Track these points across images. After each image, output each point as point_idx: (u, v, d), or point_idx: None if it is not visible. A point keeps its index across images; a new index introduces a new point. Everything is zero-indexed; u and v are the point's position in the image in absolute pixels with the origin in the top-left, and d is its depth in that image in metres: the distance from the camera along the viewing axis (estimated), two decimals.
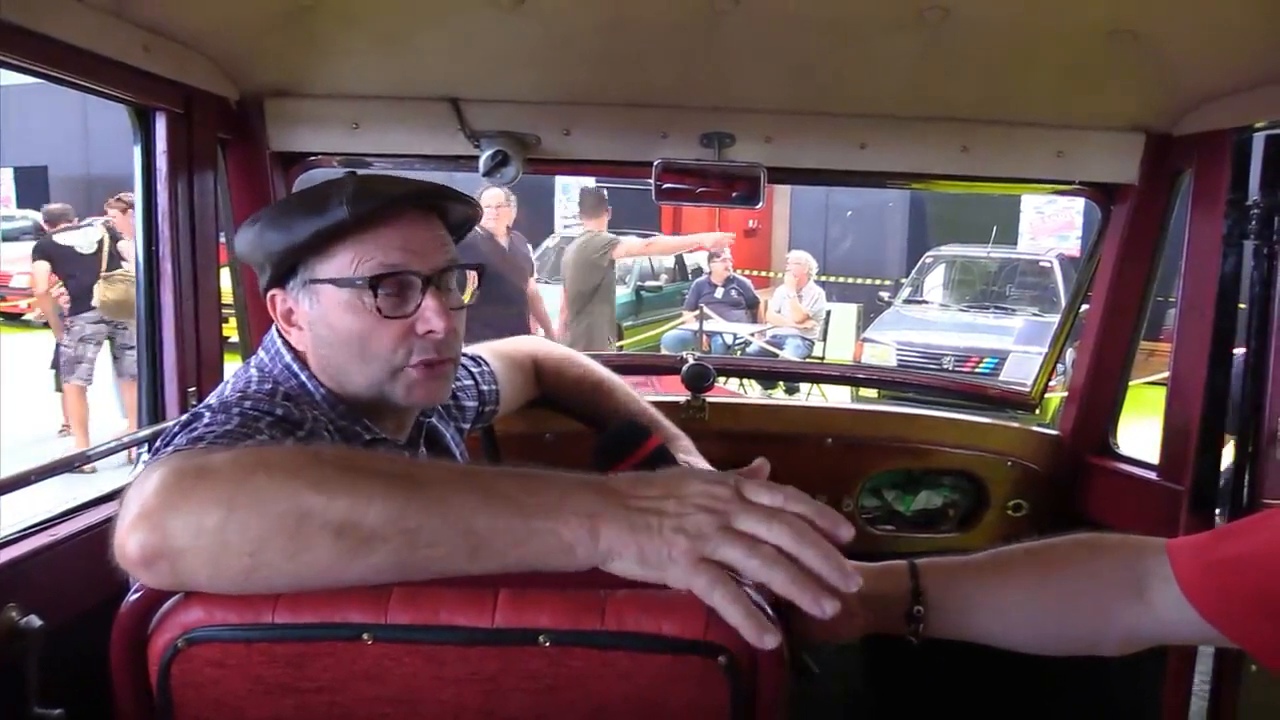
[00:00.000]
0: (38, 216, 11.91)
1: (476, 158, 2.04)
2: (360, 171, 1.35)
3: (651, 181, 2.05)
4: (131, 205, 7.27)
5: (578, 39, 1.85)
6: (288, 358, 1.35)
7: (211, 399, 1.27)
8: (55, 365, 7.88)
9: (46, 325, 8.59)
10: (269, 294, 1.35)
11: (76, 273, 7.35)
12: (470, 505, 0.88)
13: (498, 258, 6.07)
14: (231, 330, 2.15)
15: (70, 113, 16.28)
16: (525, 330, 6.30)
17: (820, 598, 0.86)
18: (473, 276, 1.46)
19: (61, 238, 7.55)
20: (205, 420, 1.15)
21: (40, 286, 7.56)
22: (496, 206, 6.18)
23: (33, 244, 8.47)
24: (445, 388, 1.39)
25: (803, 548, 0.87)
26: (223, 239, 2.01)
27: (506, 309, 6.04)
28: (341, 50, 1.90)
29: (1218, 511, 1.87)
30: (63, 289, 7.41)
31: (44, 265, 7.46)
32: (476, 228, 5.17)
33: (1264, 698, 1.79)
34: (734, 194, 2.06)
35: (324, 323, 1.31)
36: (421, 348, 1.32)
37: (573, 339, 6.66)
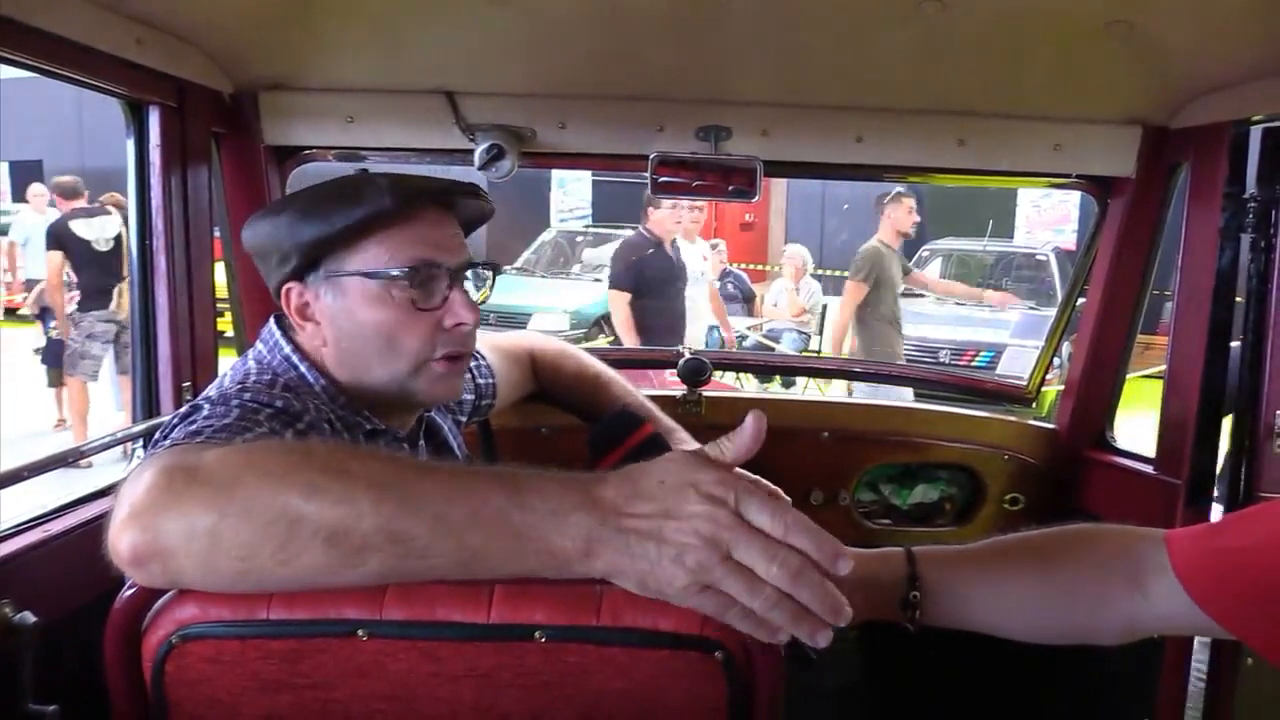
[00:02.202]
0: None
1: (471, 151, 2.03)
2: (371, 168, 1.36)
3: (648, 175, 2.04)
4: (120, 205, 6.78)
5: (573, 32, 1.84)
6: (286, 349, 1.34)
7: (211, 391, 1.26)
8: (49, 361, 7.72)
9: (39, 318, 8.42)
10: (285, 287, 1.33)
11: (89, 268, 7.06)
12: (462, 520, 0.87)
13: (663, 263, 6.12)
14: (226, 325, 2.14)
15: (65, 106, 16.23)
16: (680, 330, 6.28)
17: (815, 632, 0.88)
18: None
19: (78, 227, 7.08)
20: (204, 413, 1.15)
21: (54, 279, 7.24)
22: (674, 207, 6.04)
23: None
24: (461, 383, 1.41)
25: (799, 588, 0.86)
26: (217, 233, 2.00)
27: (662, 301, 6.12)
28: (336, 44, 1.90)
29: (1214, 505, 1.88)
30: (72, 277, 7.13)
31: (58, 255, 7.12)
32: (643, 230, 5.01)
33: (1261, 689, 1.80)
34: (730, 187, 2.06)
35: (348, 316, 1.31)
36: (447, 341, 1.33)
37: (857, 349, 6.64)
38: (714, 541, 0.86)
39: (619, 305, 6.12)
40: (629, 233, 13.85)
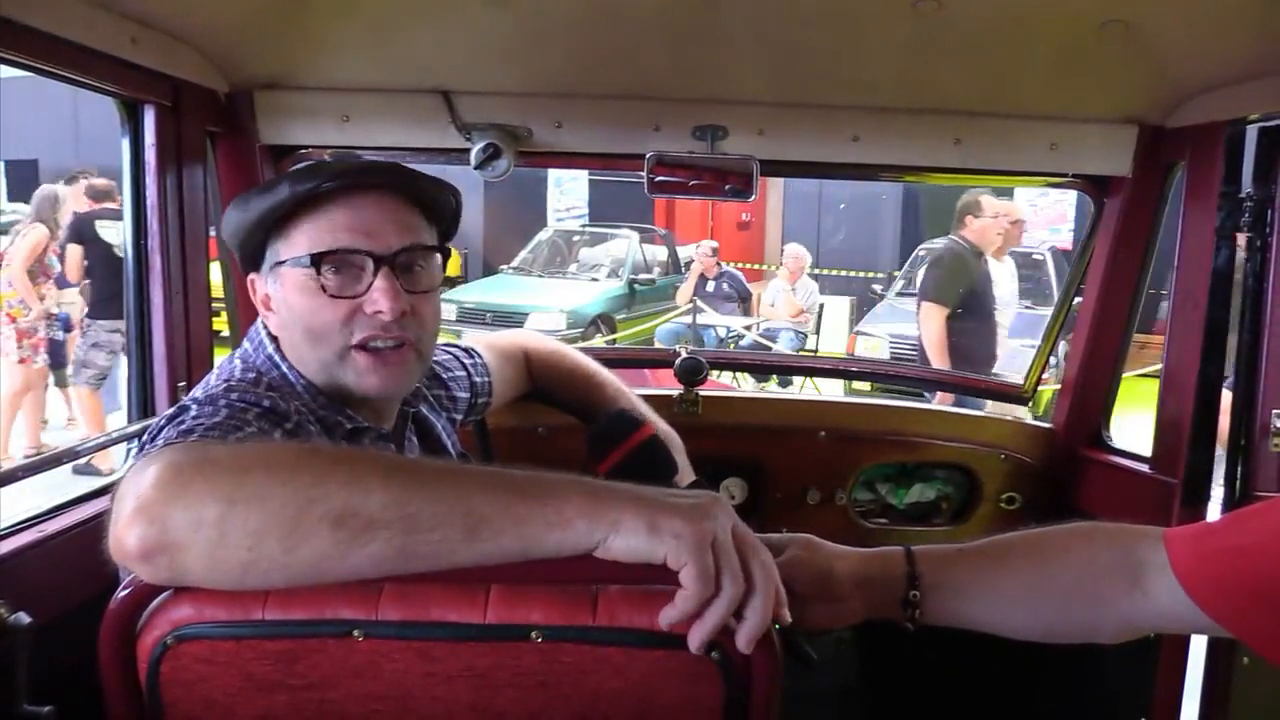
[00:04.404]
0: (29, 210, 11.63)
1: (468, 150, 2.03)
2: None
3: (644, 174, 2.04)
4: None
5: (569, 31, 1.84)
6: (270, 348, 1.35)
7: (197, 391, 1.27)
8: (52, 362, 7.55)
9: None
10: (249, 279, 1.38)
11: (103, 270, 6.70)
12: (468, 487, 0.90)
13: (984, 277, 5.55)
14: (222, 324, 2.14)
15: (60, 106, 16.21)
16: (991, 350, 5.64)
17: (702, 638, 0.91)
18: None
19: (103, 227, 6.73)
20: (193, 413, 1.15)
21: (73, 274, 6.96)
22: (995, 216, 5.49)
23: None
24: (402, 376, 1.33)
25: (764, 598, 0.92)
26: (213, 233, 2.00)
27: (980, 320, 5.57)
28: (332, 42, 1.89)
29: (1211, 504, 1.88)
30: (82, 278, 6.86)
31: (78, 249, 6.87)
32: (957, 239, 4.85)
33: (1257, 689, 1.80)
34: (727, 187, 2.05)
35: (284, 304, 1.32)
36: (365, 325, 1.28)
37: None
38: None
39: (933, 321, 5.43)
40: (624, 231, 13.74)
